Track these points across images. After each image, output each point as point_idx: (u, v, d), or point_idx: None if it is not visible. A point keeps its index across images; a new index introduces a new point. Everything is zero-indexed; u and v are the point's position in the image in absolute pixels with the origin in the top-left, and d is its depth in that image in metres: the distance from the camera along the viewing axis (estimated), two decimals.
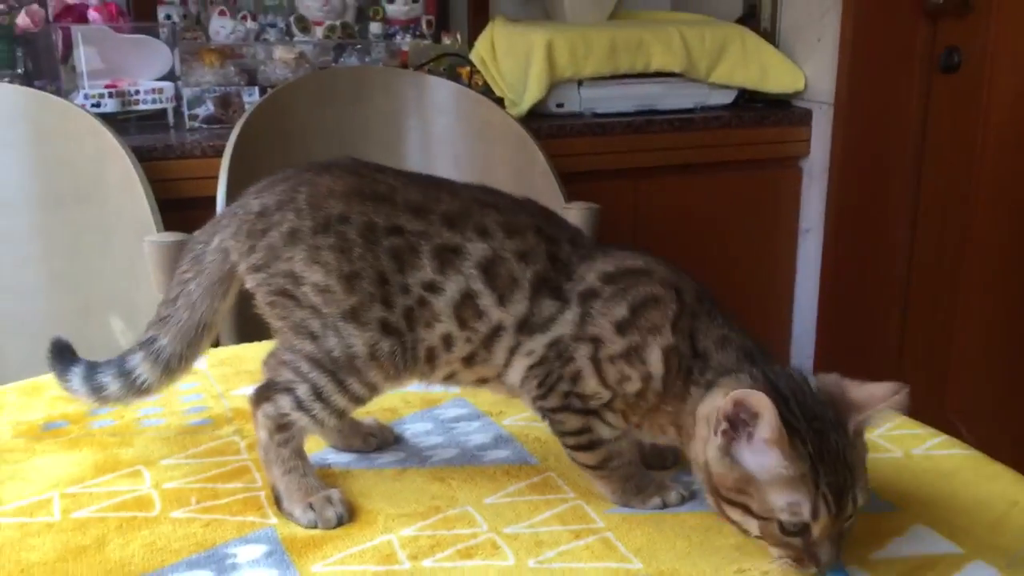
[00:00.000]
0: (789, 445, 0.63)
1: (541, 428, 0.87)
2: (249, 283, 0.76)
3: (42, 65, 1.91)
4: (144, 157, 1.71)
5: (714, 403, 0.67)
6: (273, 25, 2.26)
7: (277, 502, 0.75)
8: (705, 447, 0.67)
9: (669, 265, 0.75)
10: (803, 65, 2.33)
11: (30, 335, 1.74)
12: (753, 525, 0.65)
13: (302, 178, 0.76)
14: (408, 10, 2.35)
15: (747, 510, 0.65)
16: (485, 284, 0.73)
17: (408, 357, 0.74)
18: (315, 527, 0.72)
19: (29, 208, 1.69)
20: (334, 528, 0.72)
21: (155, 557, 0.69)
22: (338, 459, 0.83)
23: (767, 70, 2.30)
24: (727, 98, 2.31)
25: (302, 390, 0.74)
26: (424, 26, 2.38)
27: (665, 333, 0.71)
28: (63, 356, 0.82)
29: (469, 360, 0.75)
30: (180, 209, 1.68)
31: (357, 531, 0.72)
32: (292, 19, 2.25)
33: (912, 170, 2.20)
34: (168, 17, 2.13)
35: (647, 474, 0.78)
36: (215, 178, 1.68)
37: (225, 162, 1.69)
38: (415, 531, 0.72)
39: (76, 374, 0.81)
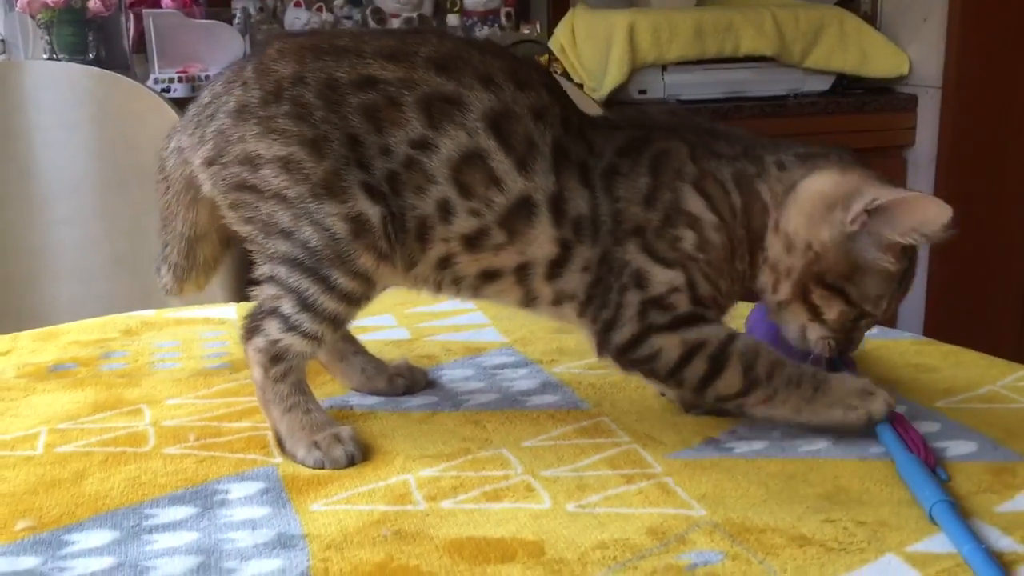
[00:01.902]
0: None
1: (598, 375, 0.76)
2: (206, 186, 0.65)
3: (113, 50, 1.90)
4: None
5: (840, 182, 0.63)
6: (349, 17, 2.21)
7: (280, 446, 0.65)
8: (819, 227, 0.62)
9: (662, 115, 0.70)
10: (907, 47, 2.18)
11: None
12: (835, 310, 0.64)
13: (252, 54, 0.67)
14: (486, 1, 2.29)
15: (843, 295, 0.63)
16: (498, 142, 0.62)
17: (397, 228, 0.63)
18: (322, 467, 0.62)
19: (93, 190, 1.66)
20: (343, 468, 0.62)
21: (135, 491, 0.59)
22: (361, 401, 0.73)
23: (868, 54, 2.15)
24: (824, 84, 2.17)
25: (287, 305, 0.63)
26: (503, 17, 2.31)
27: (688, 169, 0.65)
28: None
29: (473, 240, 0.63)
30: None
31: (370, 471, 0.62)
32: (368, 11, 2.21)
33: None
34: (244, 9, 2.10)
35: (819, 371, 0.64)
36: None
37: None
38: (438, 472, 0.61)
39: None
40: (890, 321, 2.41)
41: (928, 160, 2.17)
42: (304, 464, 0.63)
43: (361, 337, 0.76)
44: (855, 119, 2.14)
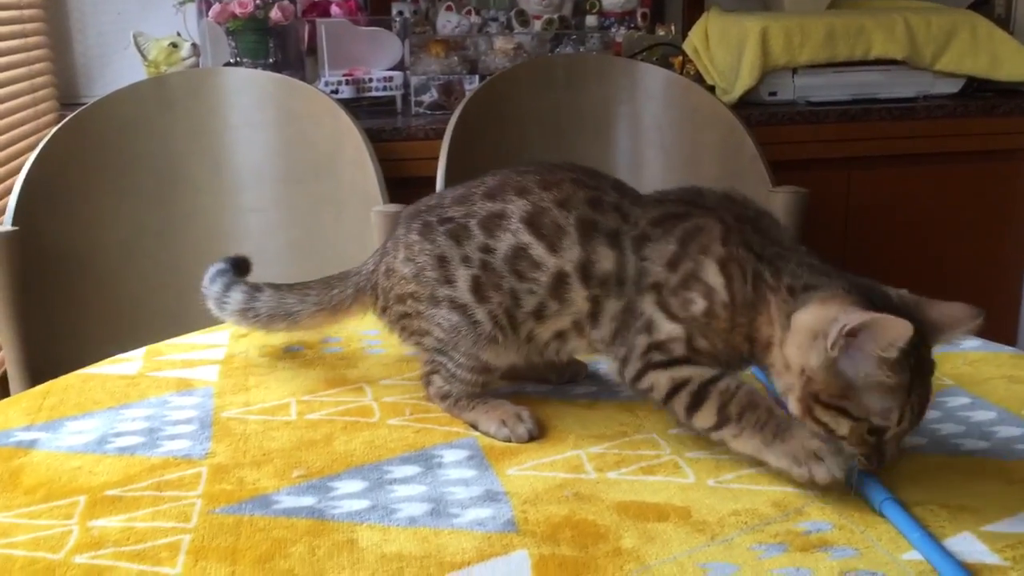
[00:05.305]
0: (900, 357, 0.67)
1: None
2: (384, 321, 0.90)
3: (289, 55, 2.12)
4: (375, 138, 1.86)
5: (821, 314, 0.69)
6: (495, 19, 2.38)
7: (474, 427, 0.82)
8: (808, 355, 0.69)
9: (710, 202, 0.80)
10: None
11: None
12: (844, 426, 0.69)
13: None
14: (624, 3, 2.41)
15: (844, 412, 0.69)
16: (533, 235, 0.79)
17: (484, 329, 0.81)
18: (509, 441, 0.80)
19: (275, 182, 1.88)
20: (526, 442, 0.79)
21: (373, 452, 0.78)
22: (536, 389, 0.90)
23: (999, 58, 2.19)
24: (954, 87, 2.22)
25: (443, 369, 0.84)
26: (639, 18, 2.43)
27: (716, 248, 0.75)
28: (233, 267, 0.98)
29: (539, 314, 0.80)
30: (403, 186, 1.81)
31: (550, 446, 0.79)
32: (513, 13, 2.37)
33: None
34: (400, 13, 2.29)
35: (786, 421, 0.72)
36: (436, 159, 1.81)
37: (445, 144, 1.81)
38: (602, 449, 0.78)
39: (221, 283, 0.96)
40: (1009, 338, 2.44)
41: None
42: (496, 438, 0.80)
43: None
44: (984, 122, 2.18)
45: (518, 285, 0.80)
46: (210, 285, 0.96)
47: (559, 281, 0.79)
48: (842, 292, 0.70)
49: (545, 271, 0.79)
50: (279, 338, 1.03)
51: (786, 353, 0.71)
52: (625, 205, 0.80)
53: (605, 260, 0.78)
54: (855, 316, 0.66)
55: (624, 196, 0.81)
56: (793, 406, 0.71)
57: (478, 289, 0.81)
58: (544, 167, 0.83)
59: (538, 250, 0.79)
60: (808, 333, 0.70)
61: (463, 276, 0.81)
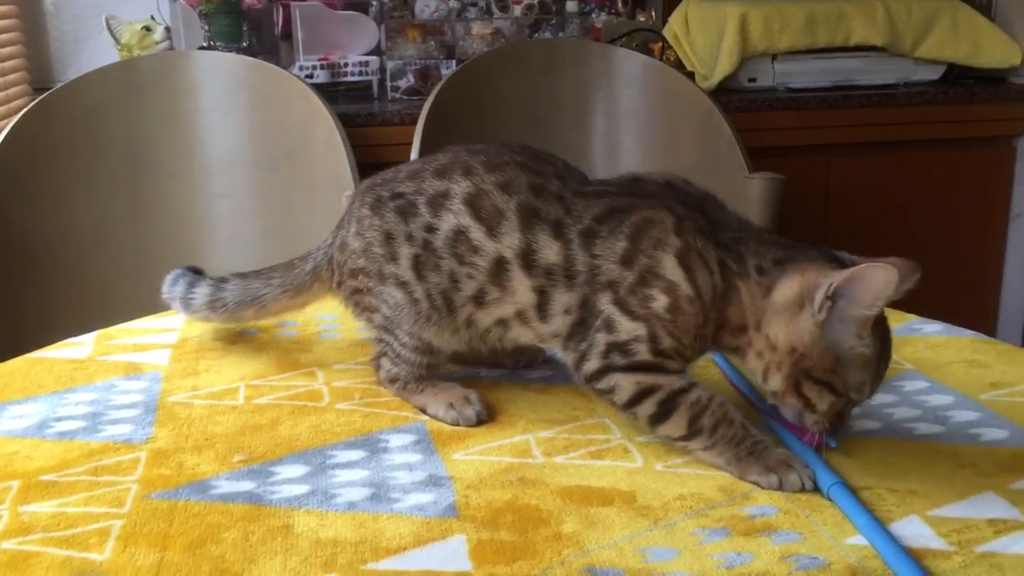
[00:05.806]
0: (873, 325, 0.67)
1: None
2: (339, 296, 0.88)
3: (264, 39, 2.09)
4: (349, 123, 1.84)
5: (802, 284, 0.69)
6: (474, 4, 2.36)
7: (423, 411, 0.81)
8: (798, 330, 0.69)
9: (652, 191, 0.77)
10: (1020, 38, 2.19)
11: None
12: (826, 402, 0.70)
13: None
14: None
15: (830, 388, 0.69)
16: (473, 218, 0.77)
17: (423, 308, 0.80)
18: (457, 424, 0.78)
19: (247, 167, 1.86)
20: (474, 426, 0.78)
21: (319, 437, 0.76)
22: (489, 373, 0.89)
23: (980, 44, 2.18)
24: (934, 73, 2.21)
25: (389, 350, 0.83)
26: (619, 4, 2.41)
27: (671, 241, 0.72)
28: (190, 272, 0.96)
29: (479, 299, 0.78)
30: (375, 172, 1.79)
31: (499, 430, 0.77)
32: None
33: None
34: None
35: (763, 441, 0.71)
36: (410, 144, 1.79)
37: (418, 130, 1.79)
38: (552, 434, 0.76)
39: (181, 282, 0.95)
40: (989, 328, 2.42)
41: None
42: (444, 421, 0.79)
43: None
44: (965, 109, 2.17)
45: (457, 268, 0.78)
46: (172, 288, 0.95)
47: (499, 267, 0.77)
48: (817, 259, 0.70)
49: (484, 256, 0.77)
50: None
51: (770, 333, 0.70)
52: (568, 197, 0.77)
53: (548, 250, 0.75)
54: (837, 275, 0.66)
55: (567, 186, 0.77)
56: (776, 382, 0.71)
57: (418, 268, 0.79)
58: (493, 147, 0.81)
59: (477, 234, 0.77)
60: (793, 307, 0.69)
61: (406, 254, 0.79)
